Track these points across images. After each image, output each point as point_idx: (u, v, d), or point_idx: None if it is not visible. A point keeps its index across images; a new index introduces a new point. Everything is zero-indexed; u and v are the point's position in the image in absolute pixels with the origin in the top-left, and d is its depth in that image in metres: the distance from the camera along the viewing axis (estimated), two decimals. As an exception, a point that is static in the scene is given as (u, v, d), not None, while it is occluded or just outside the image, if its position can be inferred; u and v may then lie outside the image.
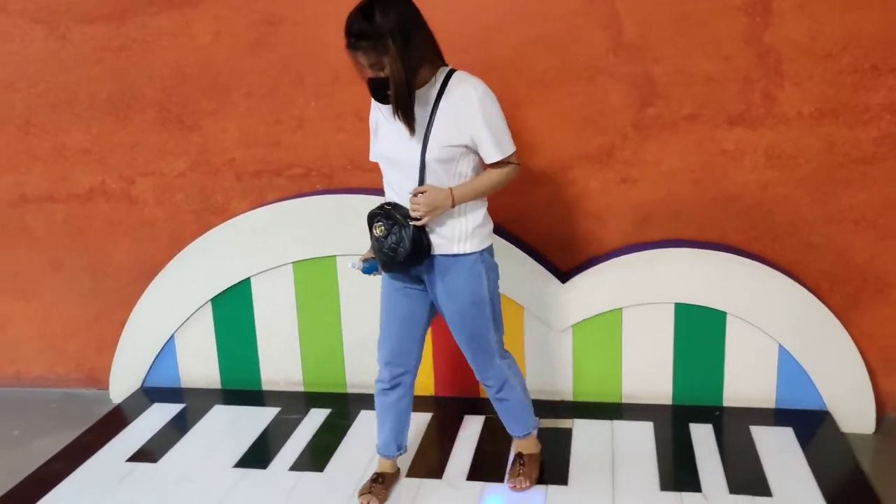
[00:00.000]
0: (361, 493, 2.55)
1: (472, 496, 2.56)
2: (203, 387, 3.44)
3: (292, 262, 3.25)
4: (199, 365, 3.43)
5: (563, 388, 3.17)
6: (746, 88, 2.90)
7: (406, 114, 2.20)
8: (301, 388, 3.38)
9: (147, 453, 2.94)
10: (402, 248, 2.29)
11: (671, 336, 3.05)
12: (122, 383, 3.50)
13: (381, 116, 2.35)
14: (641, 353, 3.08)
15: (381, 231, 2.32)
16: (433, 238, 2.33)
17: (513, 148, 2.33)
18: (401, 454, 2.63)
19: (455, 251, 2.34)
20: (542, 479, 2.62)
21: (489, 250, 2.42)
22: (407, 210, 2.31)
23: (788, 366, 2.99)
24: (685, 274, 2.99)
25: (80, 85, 3.33)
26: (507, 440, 2.75)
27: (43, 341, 3.69)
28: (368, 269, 2.51)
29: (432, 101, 2.26)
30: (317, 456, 2.85)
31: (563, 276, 3.10)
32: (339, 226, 3.15)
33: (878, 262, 2.99)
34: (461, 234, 2.35)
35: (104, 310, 3.59)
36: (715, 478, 2.59)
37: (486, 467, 2.72)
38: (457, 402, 3.18)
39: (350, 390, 3.33)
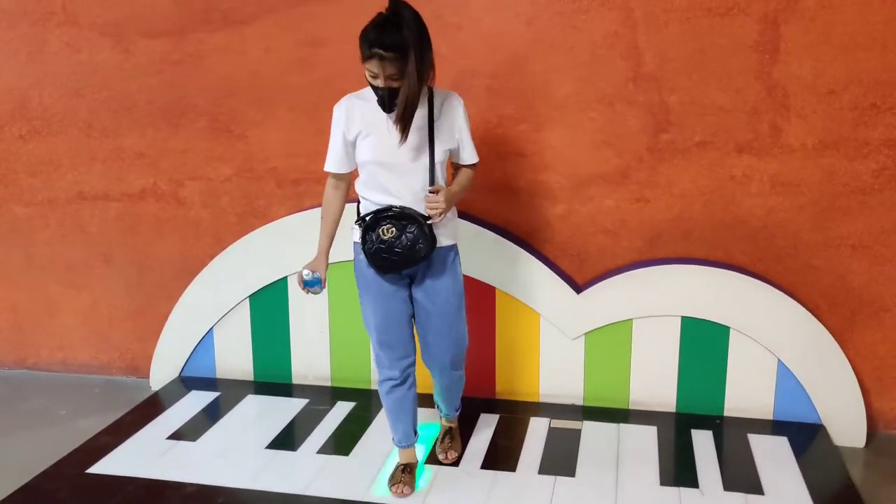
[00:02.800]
0: (394, 483, 2.73)
1: (484, 483, 2.77)
2: (237, 378, 3.68)
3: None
4: (235, 358, 3.68)
5: (575, 392, 3.37)
6: (755, 119, 3.13)
7: (408, 122, 2.41)
8: (328, 383, 3.61)
9: (185, 433, 3.18)
10: (420, 245, 2.50)
11: (677, 347, 3.26)
12: (162, 372, 3.75)
13: (364, 125, 2.52)
14: (649, 362, 3.29)
15: (392, 233, 2.50)
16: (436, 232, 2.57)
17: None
18: (417, 439, 2.85)
19: (446, 243, 2.62)
20: (551, 471, 2.83)
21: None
22: (416, 211, 2.52)
23: (786, 380, 3.18)
24: (692, 290, 3.20)
25: (140, 93, 3.61)
26: (516, 435, 2.97)
27: (89, 330, 3.95)
28: (315, 282, 2.64)
29: (427, 111, 2.51)
30: (343, 442, 3.07)
31: (579, 287, 3.32)
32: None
33: (874, 286, 3.19)
34: (451, 228, 2.64)
35: (148, 303, 3.85)
36: (712, 476, 2.79)
37: (500, 457, 2.92)
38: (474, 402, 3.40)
39: (374, 387, 3.55)
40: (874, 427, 3.24)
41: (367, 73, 2.41)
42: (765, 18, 3.06)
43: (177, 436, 3.15)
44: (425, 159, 2.52)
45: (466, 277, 3.20)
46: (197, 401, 3.47)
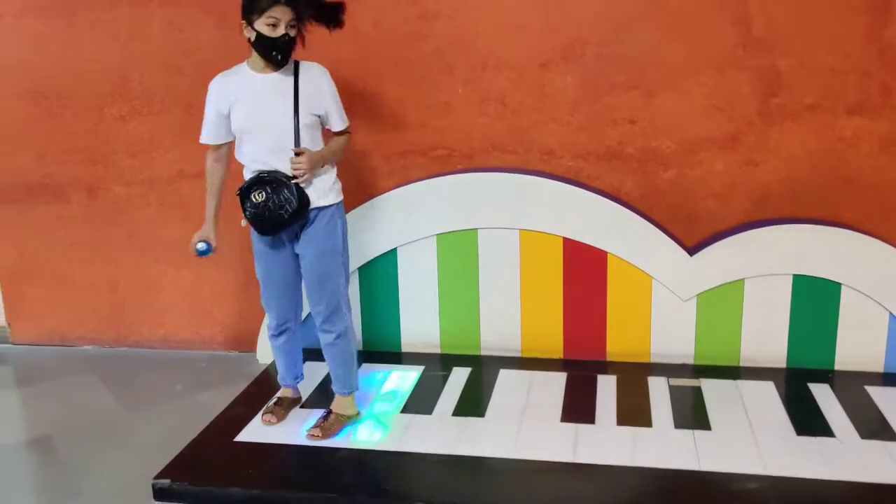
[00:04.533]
0: (264, 413, 3.04)
1: (626, 438, 2.86)
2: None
3: (436, 235, 3.56)
4: (343, 329, 3.74)
5: (686, 351, 3.46)
6: (865, 81, 3.21)
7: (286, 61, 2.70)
8: (438, 350, 3.69)
9: (316, 401, 3.24)
10: (288, 206, 2.71)
11: (788, 305, 3.35)
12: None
13: (238, 93, 2.73)
14: (761, 320, 3.38)
15: (261, 197, 2.70)
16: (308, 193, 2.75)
17: (348, 121, 2.89)
18: (297, 383, 3.19)
19: (321, 204, 2.79)
20: (685, 426, 2.92)
21: (342, 205, 2.91)
22: (282, 174, 2.71)
23: (898, 333, 3.29)
24: (803, 248, 3.29)
25: (244, 71, 3.64)
26: (639, 393, 3.07)
27: (191, 307, 4.01)
28: (207, 250, 2.93)
29: (292, 77, 2.73)
30: (474, 403, 3.16)
31: (690, 249, 3.41)
32: (479, 202, 3.46)
33: (980, 240, 3.29)
34: (325, 189, 2.80)
35: (251, 279, 3.85)
36: (844, 425, 2.89)
37: (631, 415, 3.01)
38: (587, 364, 3.49)
39: (484, 353, 3.64)
40: (980, 377, 3.35)
41: (261, 25, 2.62)
42: (876, -20, 3.13)
43: (308, 404, 3.22)
44: (291, 123, 2.70)
45: (577, 243, 3.32)
46: (313, 372, 3.52)
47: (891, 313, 3.27)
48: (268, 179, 2.72)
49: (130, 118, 3.83)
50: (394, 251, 3.61)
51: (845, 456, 2.69)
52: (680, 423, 2.95)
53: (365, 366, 3.56)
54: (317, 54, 3.53)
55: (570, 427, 2.95)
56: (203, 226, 2.95)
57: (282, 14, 2.61)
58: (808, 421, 2.93)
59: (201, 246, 2.93)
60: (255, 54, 2.73)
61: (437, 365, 3.56)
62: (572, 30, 3.37)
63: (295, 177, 2.72)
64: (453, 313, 3.63)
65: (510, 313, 3.57)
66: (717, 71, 3.31)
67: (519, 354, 3.61)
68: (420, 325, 3.67)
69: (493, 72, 3.46)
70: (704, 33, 3.28)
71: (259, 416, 3.08)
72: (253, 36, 2.67)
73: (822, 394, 3.14)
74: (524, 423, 2.98)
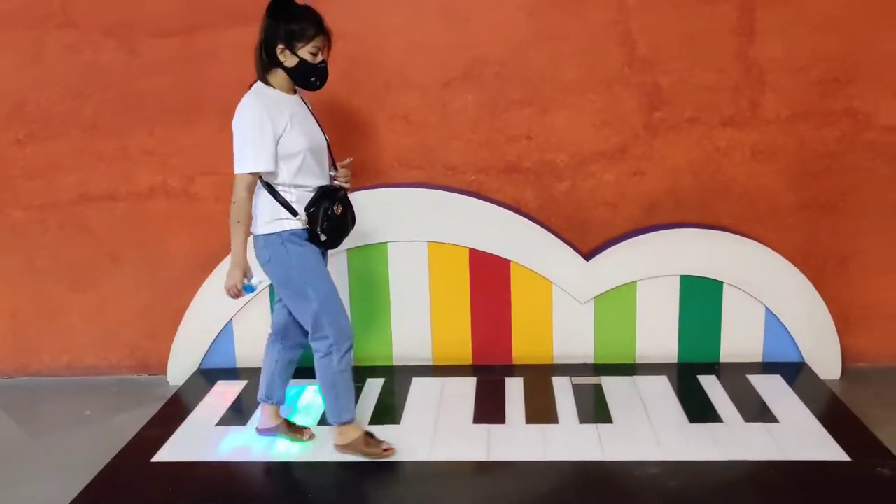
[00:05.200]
0: (385, 450, 2.88)
1: (536, 435, 3.02)
2: (258, 366, 3.77)
3: (346, 250, 3.65)
4: (256, 346, 3.74)
5: (586, 352, 3.68)
6: (736, 96, 3.52)
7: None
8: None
9: (232, 418, 3.28)
10: (352, 217, 2.84)
11: (677, 304, 3.61)
12: (180, 367, 3.81)
13: (288, 114, 2.68)
14: (652, 319, 3.63)
15: (339, 210, 2.75)
16: None
17: None
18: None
19: None
20: (589, 420, 3.11)
21: None
22: (336, 185, 2.83)
23: (773, 325, 3.60)
24: (688, 251, 3.57)
25: (148, 92, 3.66)
26: (546, 393, 3.25)
27: (96, 331, 3.95)
28: (254, 287, 2.77)
29: (300, 98, 2.84)
30: (389, 411, 3.26)
31: (586, 256, 3.63)
32: (388, 216, 3.59)
33: (840, 238, 3.64)
34: None
35: (159, 300, 3.89)
36: (730, 412, 3.15)
37: (540, 412, 3.19)
38: (496, 369, 3.65)
39: (396, 363, 3.75)
40: (845, 362, 3.70)
41: (305, 52, 2.67)
42: (742, 5, 3.45)
43: (224, 421, 3.25)
44: (325, 140, 2.83)
45: (482, 253, 3.55)
46: (227, 390, 3.56)
47: (767, 307, 3.58)
48: (333, 193, 2.75)
49: (28, 142, 3.76)
50: (304, 267, 3.67)
51: (732, 438, 2.94)
52: (584, 418, 3.14)
53: (279, 381, 3.60)
54: (229, 74, 3.60)
55: (483, 428, 3.10)
56: (236, 262, 2.71)
57: (322, 43, 2.69)
58: (699, 409, 3.17)
59: (255, 281, 2.74)
60: (281, 78, 2.73)
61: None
62: (472, 51, 3.55)
63: (343, 188, 2.82)
64: (365, 326, 3.73)
65: (421, 323, 3.70)
66: (606, 88, 3.56)
67: (430, 363, 3.74)
68: (333, 339, 3.75)
69: (398, 90, 3.60)
70: (593, 54, 3.52)
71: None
72: (294, 62, 2.69)
73: (709, 384, 3.41)
74: (438, 428, 3.11)
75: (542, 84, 3.56)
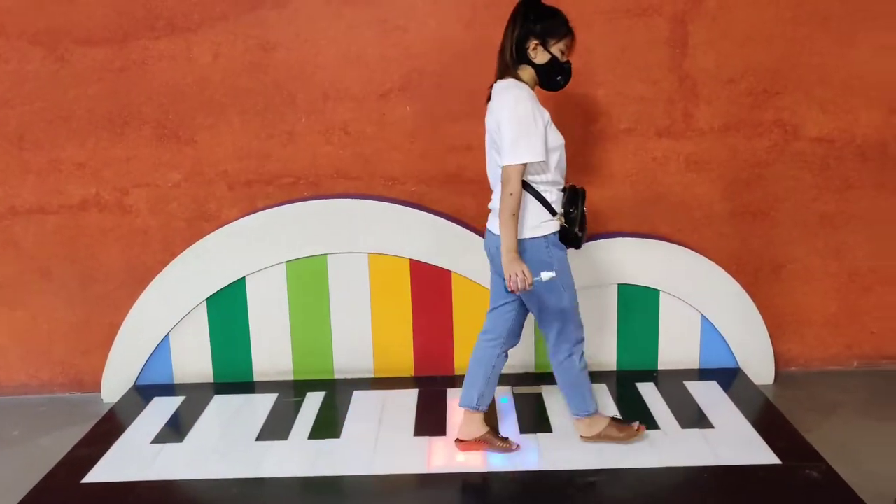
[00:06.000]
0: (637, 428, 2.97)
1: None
2: (197, 381, 3.71)
3: (285, 262, 3.61)
4: (193, 362, 3.71)
5: (530, 361, 3.70)
6: (670, 107, 3.59)
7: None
8: (291, 377, 3.73)
9: (167, 436, 3.20)
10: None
11: (615, 312, 3.66)
12: (115, 383, 3.71)
13: (546, 113, 2.75)
14: (593, 327, 3.66)
15: (584, 208, 2.78)
16: None
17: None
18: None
19: None
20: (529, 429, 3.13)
21: None
22: (580, 186, 2.83)
23: (709, 332, 3.67)
24: (626, 260, 3.61)
25: (78, 103, 3.57)
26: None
27: (26, 348, 3.83)
28: (542, 280, 2.63)
29: None
30: (329, 426, 3.23)
31: (526, 265, 3.65)
32: (327, 228, 3.56)
33: (771, 247, 3.74)
34: None
35: (92, 315, 3.79)
36: (667, 419, 3.19)
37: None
38: (437, 380, 3.64)
39: (337, 376, 3.72)
40: (777, 367, 3.79)
41: (556, 49, 2.71)
42: (674, 18, 3.52)
43: (160, 439, 3.18)
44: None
45: (423, 264, 3.52)
46: (164, 406, 3.49)
47: (703, 315, 3.64)
48: (582, 192, 2.78)
49: (-49, 153, 3.63)
50: (242, 280, 3.62)
51: (669, 445, 2.99)
52: (525, 427, 3.15)
53: (216, 398, 3.55)
54: (162, 84, 3.54)
55: (424, 440, 3.08)
56: (514, 254, 2.62)
57: (569, 43, 2.75)
58: (638, 417, 3.19)
59: (546, 276, 2.58)
60: (528, 76, 2.76)
61: (291, 392, 3.60)
62: (409, 62, 3.55)
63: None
64: (305, 339, 3.69)
65: (362, 336, 3.68)
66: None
67: (372, 375, 3.71)
68: (272, 354, 3.70)
69: (335, 102, 3.58)
70: (530, 65, 3.54)
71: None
72: (545, 59, 2.72)
73: (648, 391, 3.46)
74: (379, 441, 3.09)
75: (481, 95, 3.57)
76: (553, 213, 2.73)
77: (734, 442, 2.99)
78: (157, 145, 3.62)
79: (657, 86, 3.57)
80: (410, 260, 3.59)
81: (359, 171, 3.66)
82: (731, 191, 3.67)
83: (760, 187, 3.67)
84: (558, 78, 2.78)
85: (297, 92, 3.58)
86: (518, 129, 2.64)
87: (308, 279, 3.63)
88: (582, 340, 2.90)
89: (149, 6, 3.49)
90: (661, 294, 3.63)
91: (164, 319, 3.66)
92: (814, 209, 3.67)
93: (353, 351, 3.69)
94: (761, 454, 2.89)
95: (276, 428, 3.22)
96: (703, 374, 3.64)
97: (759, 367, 3.69)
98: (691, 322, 3.66)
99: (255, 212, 3.61)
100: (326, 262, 3.61)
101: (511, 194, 2.64)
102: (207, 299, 3.64)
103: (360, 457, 2.97)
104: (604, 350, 3.68)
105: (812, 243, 3.70)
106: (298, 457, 2.99)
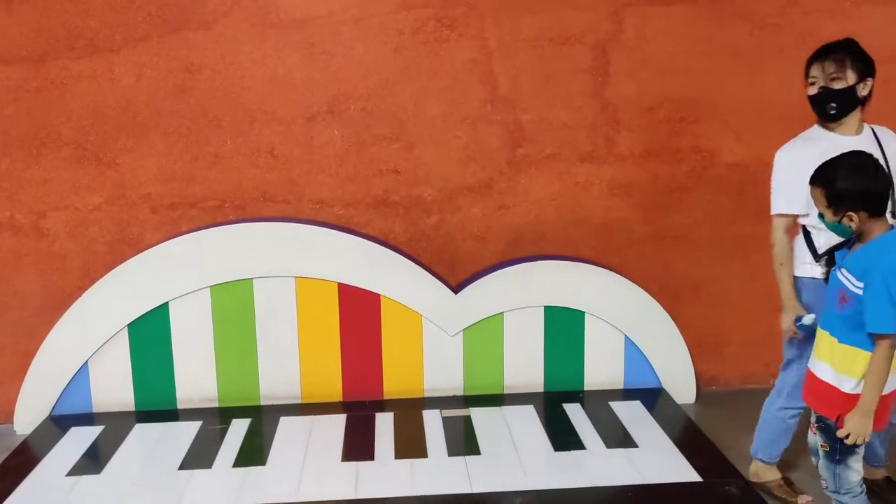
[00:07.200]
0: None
1: (404, 471, 3.01)
2: (117, 410, 3.60)
3: (209, 287, 3.55)
4: (113, 390, 3.59)
5: (456, 384, 3.71)
6: (593, 133, 3.69)
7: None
8: (216, 405, 3.65)
9: (84, 468, 3.09)
10: None
11: (542, 334, 3.71)
12: (28, 414, 3.57)
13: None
14: (519, 350, 3.71)
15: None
16: None
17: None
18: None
19: None
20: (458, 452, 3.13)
21: None
22: None
23: (632, 353, 3.75)
24: (551, 282, 3.67)
25: (-8, 123, 3.46)
26: (415, 427, 3.26)
27: (-68, 379, 3.66)
28: (808, 325, 2.66)
29: (874, 141, 2.65)
30: (255, 453, 3.17)
31: (454, 288, 3.67)
32: (253, 252, 3.52)
33: (691, 269, 3.86)
34: None
35: (5, 342, 3.65)
36: (593, 439, 3.24)
37: (409, 447, 3.18)
38: (365, 405, 3.63)
39: (264, 402, 3.66)
40: (699, 386, 3.89)
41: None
42: (596, 47, 3.62)
43: (77, 470, 3.07)
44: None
45: (351, 287, 3.54)
46: (82, 436, 3.37)
47: (626, 336, 3.73)
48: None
49: None
50: (165, 306, 3.55)
51: (595, 465, 3.03)
52: (453, 451, 3.15)
53: (138, 426, 3.45)
54: (81, 106, 3.46)
55: (351, 466, 3.06)
56: (787, 304, 2.74)
57: (816, 72, 2.67)
58: (564, 438, 3.25)
59: (808, 320, 2.64)
60: (850, 113, 2.65)
61: (216, 419, 3.52)
62: (336, 86, 3.56)
63: None
64: (230, 365, 3.62)
65: (288, 361, 3.64)
66: (470, 125, 3.65)
67: (299, 401, 3.67)
68: (196, 380, 3.62)
69: (262, 125, 3.56)
70: (457, 91, 3.61)
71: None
72: (868, 92, 2.64)
73: (574, 412, 3.50)
74: (306, 467, 3.05)
75: (408, 120, 3.61)
76: (817, 257, 2.70)
77: (657, 461, 3.05)
78: (77, 167, 3.53)
79: (580, 112, 3.66)
80: (339, 283, 3.57)
81: (286, 195, 3.64)
82: (652, 215, 3.78)
83: (680, 211, 3.79)
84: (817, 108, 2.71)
85: (222, 114, 3.55)
86: (777, 180, 2.79)
87: (233, 304, 3.57)
88: (802, 408, 2.84)
89: (69, 25, 3.41)
90: (587, 316, 3.70)
91: (82, 346, 3.54)
92: (731, 232, 3.80)
93: (279, 376, 3.64)
94: (683, 472, 2.95)
95: (199, 456, 3.15)
96: (627, 395, 3.71)
97: (681, 387, 3.79)
98: (615, 343, 3.74)
99: (178, 235, 3.55)
100: (252, 287, 3.56)
101: (773, 245, 2.78)
102: (129, 325, 3.55)
103: (287, 483, 2.92)
104: (531, 371, 3.72)
105: (729, 265, 3.83)
106: (223, 485, 2.93)
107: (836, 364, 2.35)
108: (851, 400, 2.31)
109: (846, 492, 2.41)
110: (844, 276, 2.32)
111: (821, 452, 2.46)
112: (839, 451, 2.39)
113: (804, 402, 2.53)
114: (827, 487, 2.46)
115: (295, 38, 3.52)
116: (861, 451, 2.40)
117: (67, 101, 3.47)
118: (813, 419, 2.50)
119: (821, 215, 2.37)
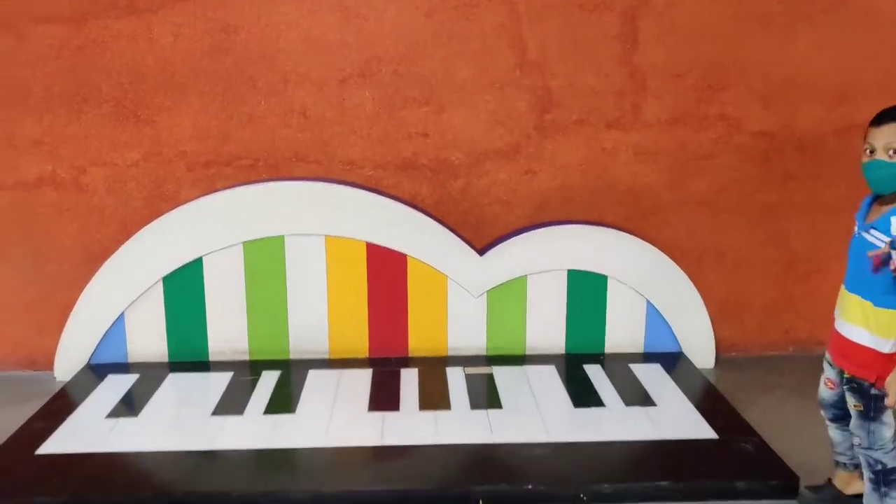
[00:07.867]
0: None
1: (428, 421, 3.11)
2: (152, 360, 3.73)
3: (242, 243, 3.65)
4: (148, 341, 3.72)
5: (479, 344, 3.80)
6: (620, 99, 3.72)
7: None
8: (246, 357, 3.77)
9: (122, 411, 3.22)
10: None
11: (564, 297, 3.78)
12: (68, 362, 3.71)
13: None
14: (541, 312, 3.78)
15: None
16: None
17: None
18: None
19: None
20: (480, 406, 3.23)
21: None
22: None
23: (653, 318, 3.81)
24: (575, 247, 3.73)
25: (35, 80, 3.57)
26: (440, 382, 3.35)
27: (-23, 326, 3.81)
28: None
29: None
30: (284, 402, 3.28)
31: (479, 251, 3.75)
32: (285, 210, 3.62)
33: (715, 235, 3.89)
34: None
35: (46, 293, 3.78)
36: (612, 397, 3.32)
37: (433, 401, 3.28)
38: (391, 361, 3.73)
39: (293, 356, 3.77)
40: (718, 351, 3.94)
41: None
42: (624, 13, 3.65)
43: (115, 413, 3.20)
44: None
45: (379, 247, 3.60)
46: (118, 383, 3.50)
47: (648, 301, 3.78)
48: None
49: None
50: (199, 260, 3.66)
51: (614, 421, 3.11)
52: (475, 404, 3.25)
53: (171, 376, 3.57)
54: (120, 64, 3.56)
55: (378, 415, 3.16)
56: None
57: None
58: (584, 395, 3.33)
59: None
60: None
61: (247, 371, 3.64)
62: (368, 49, 3.62)
63: None
64: (261, 320, 3.73)
65: (317, 317, 3.74)
66: (499, 89, 3.70)
67: (327, 356, 3.78)
68: (228, 334, 3.74)
69: (295, 86, 3.64)
70: (486, 55, 3.66)
71: None
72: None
73: (594, 373, 3.58)
74: (333, 416, 3.16)
75: (438, 83, 3.67)
76: None
77: (675, 419, 3.12)
78: (116, 124, 3.64)
79: (608, 79, 3.70)
80: (367, 243, 3.66)
81: (317, 155, 3.73)
82: (677, 181, 3.82)
83: (705, 178, 3.83)
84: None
85: (257, 75, 3.63)
86: None
87: (265, 260, 3.68)
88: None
89: (109, -14, 3.51)
90: (609, 280, 3.76)
91: (119, 298, 3.67)
92: (756, 199, 3.83)
93: (308, 332, 3.75)
94: (700, 429, 3.03)
95: (231, 403, 3.27)
96: (647, 358, 3.77)
97: (701, 352, 3.84)
98: (637, 307, 3.79)
99: (213, 192, 3.65)
100: (284, 244, 3.66)
101: None
102: (164, 278, 3.66)
103: (315, 430, 3.03)
104: (553, 333, 3.79)
105: (753, 232, 3.87)
106: (253, 431, 3.04)
107: (873, 327, 2.37)
108: (893, 360, 2.35)
109: (879, 447, 2.45)
110: (875, 237, 2.34)
111: (853, 412, 2.49)
112: (873, 409, 2.43)
113: (836, 364, 2.55)
114: (860, 444, 2.50)
115: (329, 0, 3.59)
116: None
117: (107, 59, 3.57)
118: (836, 378, 2.54)
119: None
